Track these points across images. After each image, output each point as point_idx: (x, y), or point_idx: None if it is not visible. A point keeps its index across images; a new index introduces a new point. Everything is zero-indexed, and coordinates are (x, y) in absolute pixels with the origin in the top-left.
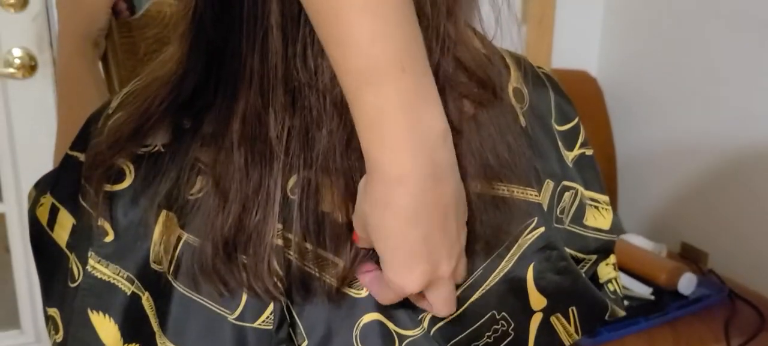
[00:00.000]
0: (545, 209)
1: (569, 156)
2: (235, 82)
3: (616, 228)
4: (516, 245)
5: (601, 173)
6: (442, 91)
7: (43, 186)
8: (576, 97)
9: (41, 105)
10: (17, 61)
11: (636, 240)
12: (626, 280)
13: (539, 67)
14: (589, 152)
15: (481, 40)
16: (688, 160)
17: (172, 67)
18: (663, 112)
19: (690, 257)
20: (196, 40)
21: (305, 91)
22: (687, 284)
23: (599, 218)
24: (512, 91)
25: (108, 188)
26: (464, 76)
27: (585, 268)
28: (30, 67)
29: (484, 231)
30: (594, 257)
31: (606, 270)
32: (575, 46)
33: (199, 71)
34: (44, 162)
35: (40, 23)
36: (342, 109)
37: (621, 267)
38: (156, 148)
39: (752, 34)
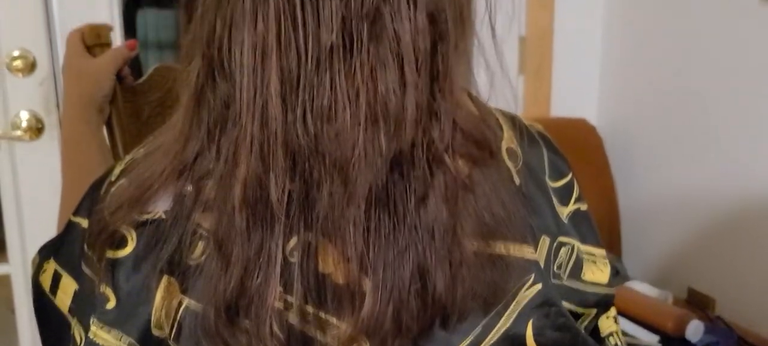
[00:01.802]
0: (542, 266)
1: (564, 212)
2: (236, 149)
3: (623, 276)
4: (514, 302)
5: (596, 226)
6: (436, 152)
7: (46, 252)
8: (576, 146)
9: (47, 167)
10: (24, 124)
11: (641, 287)
12: (633, 328)
13: (532, 125)
14: (583, 207)
15: (474, 102)
16: (692, 206)
17: (175, 134)
18: (664, 158)
19: (697, 303)
20: (198, 108)
21: (305, 155)
22: (695, 331)
23: (597, 272)
24: (506, 151)
25: (110, 254)
26: (460, 136)
27: (585, 322)
28: (37, 129)
29: (482, 289)
30: (594, 311)
31: (607, 323)
32: (573, 95)
33: (201, 138)
34: (50, 224)
35: (47, 87)
36: (342, 170)
37: (627, 315)
38: (158, 215)
39: (750, 83)
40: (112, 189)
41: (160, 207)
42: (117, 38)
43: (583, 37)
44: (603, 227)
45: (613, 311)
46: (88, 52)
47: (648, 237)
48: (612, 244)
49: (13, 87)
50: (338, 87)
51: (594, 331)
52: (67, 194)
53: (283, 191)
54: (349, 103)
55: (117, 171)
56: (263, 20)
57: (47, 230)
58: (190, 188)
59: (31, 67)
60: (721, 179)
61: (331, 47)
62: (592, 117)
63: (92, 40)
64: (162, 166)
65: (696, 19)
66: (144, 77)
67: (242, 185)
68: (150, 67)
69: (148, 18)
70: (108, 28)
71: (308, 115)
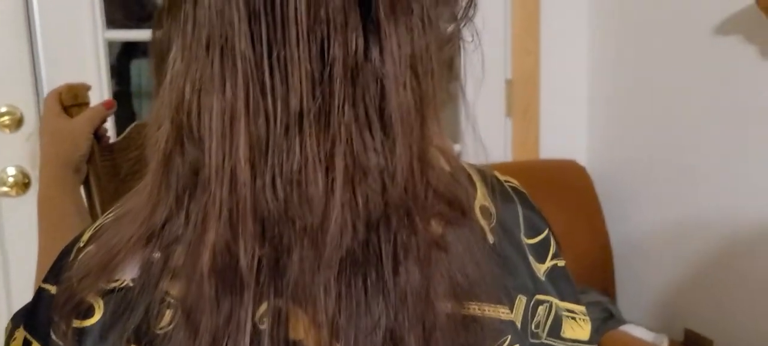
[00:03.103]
0: (519, 326)
1: (541, 269)
2: (204, 214)
3: (618, 319)
4: None
5: (575, 282)
6: (411, 214)
7: (17, 319)
8: (566, 187)
9: (34, 222)
10: (11, 179)
11: (636, 331)
12: None
13: (508, 180)
14: (561, 263)
15: (447, 158)
16: (684, 245)
17: (143, 199)
18: (655, 197)
19: (694, 344)
20: (167, 174)
21: (275, 220)
22: None
23: (577, 329)
24: (479, 209)
25: (77, 323)
26: (433, 196)
27: None
28: (24, 184)
29: None
30: None
31: None
32: (562, 136)
33: (170, 204)
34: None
35: (34, 142)
36: (312, 235)
37: None
38: (125, 283)
39: (736, 119)
40: (81, 255)
41: (128, 275)
42: (104, 91)
43: (569, 79)
44: (596, 269)
45: None
46: (65, 113)
47: (642, 278)
48: (606, 285)
49: (0, 143)
50: (309, 151)
51: None
52: (41, 258)
53: (252, 258)
54: (321, 166)
55: (86, 236)
56: (232, 86)
57: (33, 286)
58: (158, 254)
59: (18, 122)
60: (713, 217)
61: (301, 112)
62: (582, 158)
63: (70, 100)
64: (130, 232)
65: (681, 59)
66: (122, 135)
67: (211, 251)
68: (142, 117)
69: (142, 67)
70: (86, 88)
71: (277, 180)
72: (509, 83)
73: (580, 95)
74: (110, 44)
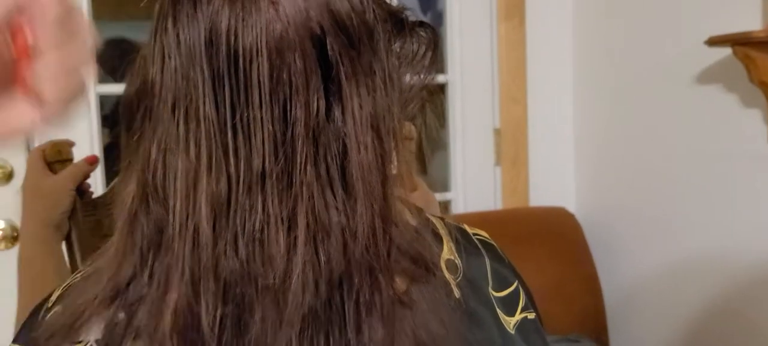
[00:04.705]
0: None
1: (511, 322)
2: (168, 274)
3: None
4: None
5: (545, 335)
6: (374, 271)
7: None
8: (556, 234)
9: None
10: (0, 233)
11: None
12: None
13: (477, 233)
14: (531, 316)
15: (411, 211)
16: (678, 291)
17: (109, 258)
18: (645, 243)
19: None
20: (132, 233)
21: (237, 279)
22: None
23: None
24: (445, 264)
25: None
26: (397, 254)
27: None
28: (12, 238)
29: None
30: None
31: None
32: (551, 184)
33: (134, 262)
34: None
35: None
36: (273, 294)
37: None
38: (89, 344)
39: (725, 165)
40: (48, 316)
41: (92, 335)
42: (95, 144)
43: (555, 128)
44: (588, 316)
45: None
46: (49, 169)
47: (635, 325)
48: (599, 332)
49: None
50: (271, 210)
51: None
52: (20, 316)
53: (214, 317)
54: (283, 225)
55: (54, 296)
56: (195, 147)
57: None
58: (122, 314)
59: (8, 176)
60: (706, 262)
61: (263, 172)
62: (571, 205)
63: (53, 156)
64: (95, 291)
65: (665, 107)
66: (106, 190)
67: (173, 311)
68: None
69: None
70: (69, 144)
71: (239, 240)
72: (497, 132)
73: (567, 143)
74: (104, 97)
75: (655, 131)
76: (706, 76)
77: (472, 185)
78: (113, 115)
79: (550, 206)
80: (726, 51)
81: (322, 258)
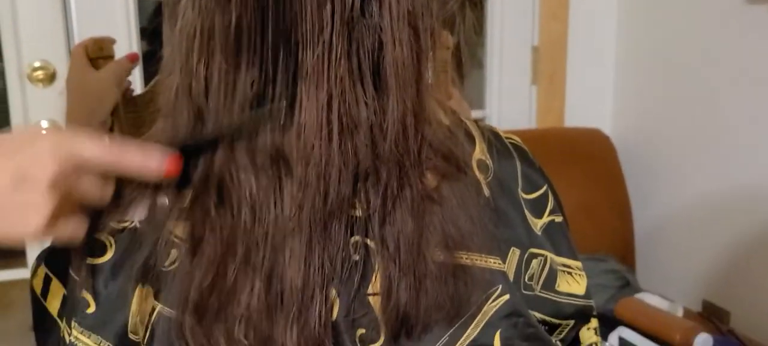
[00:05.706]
0: (512, 277)
1: (538, 223)
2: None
3: (633, 287)
4: (480, 313)
5: (572, 239)
6: (404, 167)
7: (40, 257)
8: (590, 156)
9: None
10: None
11: (651, 299)
12: (640, 340)
13: (509, 137)
14: (558, 219)
15: (445, 111)
16: (708, 217)
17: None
18: (680, 168)
19: (712, 315)
20: (175, 123)
21: (272, 156)
22: (703, 344)
23: (573, 284)
24: (476, 163)
25: (90, 260)
26: (429, 151)
27: (563, 333)
28: None
29: (446, 300)
30: (571, 322)
31: (587, 335)
32: (587, 105)
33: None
34: None
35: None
36: (304, 176)
37: (635, 327)
38: (133, 224)
39: (766, 90)
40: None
41: (136, 216)
42: (133, 48)
43: (596, 47)
44: (616, 237)
45: (594, 323)
46: (91, 65)
47: (663, 248)
48: (626, 255)
49: (33, 97)
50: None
51: (574, 342)
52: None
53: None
54: (318, 112)
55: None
56: (235, 38)
57: None
58: (165, 198)
59: (51, 78)
60: (739, 190)
61: (299, 63)
62: (607, 127)
63: (95, 52)
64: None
65: (710, 27)
66: (146, 88)
67: (217, 182)
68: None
69: None
70: (111, 41)
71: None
72: (535, 50)
73: (607, 63)
74: (143, 5)
75: (701, 56)
76: None
77: (507, 103)
78: (151, 24)
79: (586, 127)
80: None
81: (350, 151)
